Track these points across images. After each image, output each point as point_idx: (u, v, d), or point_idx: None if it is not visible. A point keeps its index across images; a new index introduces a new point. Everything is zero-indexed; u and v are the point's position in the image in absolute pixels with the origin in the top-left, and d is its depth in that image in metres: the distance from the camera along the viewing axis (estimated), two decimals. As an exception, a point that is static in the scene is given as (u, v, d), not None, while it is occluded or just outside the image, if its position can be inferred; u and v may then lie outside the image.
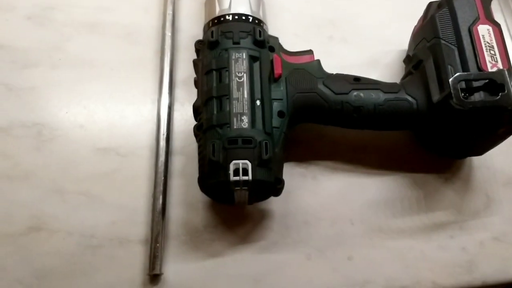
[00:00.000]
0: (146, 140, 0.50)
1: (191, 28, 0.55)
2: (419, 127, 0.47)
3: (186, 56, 0.54)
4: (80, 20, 0.55)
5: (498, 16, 0.60)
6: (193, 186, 0.47)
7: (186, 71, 0.53)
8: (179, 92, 0.53)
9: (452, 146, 0.49)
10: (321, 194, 0.50)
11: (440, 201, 0.50)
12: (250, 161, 0.41)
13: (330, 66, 0.49)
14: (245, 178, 0.41)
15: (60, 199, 0.47)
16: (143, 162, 0.49)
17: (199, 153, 0.45)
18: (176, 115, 0.51)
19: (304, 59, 0.49)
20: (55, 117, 0.50)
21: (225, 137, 0.42)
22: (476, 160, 0.52)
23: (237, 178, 0.41)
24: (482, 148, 0.48)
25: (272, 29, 0.54)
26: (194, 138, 0.50)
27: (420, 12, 0.52)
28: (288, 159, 0.50)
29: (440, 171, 0.51)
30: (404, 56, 0.55)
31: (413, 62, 0.49)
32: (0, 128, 0.49)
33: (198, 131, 0.45)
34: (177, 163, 0.49)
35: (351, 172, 0.51)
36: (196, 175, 0.47)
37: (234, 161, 0.41)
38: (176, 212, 0.47)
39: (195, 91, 0.47)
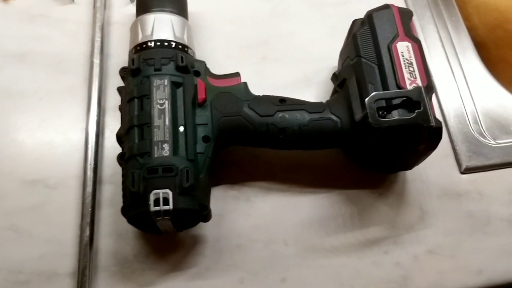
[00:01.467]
0: (75, 170, 0.49)
1: (122, 54, 0.55)
2: (345, 145, 0.48)
3: (117, 83, 0.53)
4: (9, 50, 0.55)
5: (430, 28, 0.61)
6: (122, 216, 0.47)
7: (116, 98, 0.52)
8: (109, 119, 0.52)
9: (380, 162, 0.49)
10: (254, 216, 0.49)
11: (374, 217, 0.50)
12: (171, 190, 0.41)
13: (265, 86, 0.49)
14: (166, 207, 0.41)
15: (-14, 235, 0.46)
16: (72, 193, 0.48)
17: (123, 183, 0.44)
18: (106, 143, 0.51)
19: (231, 81, 0.49)
20: (-19, 151, 0.49)
21: (145, 167, 0.42)
22: (410, 173, 0.52)
23: (157, 208, 0.41)
24: (408, 163, 0.48)
25: (205, 52, 0.55)
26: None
27: (351, 28, 0.53)
28: (221, 182, 0.50)
29: (374, 186, 0.51)
30: (336, 73, 0.55)
31: (338, 80, 0.49)
32: None
33: (121, 160, 0.45)
34: (106, 192, 0.49)
35: (285, 192, 0.51)
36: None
37: (154, 191, 0.41)
38: (105, 242, 0.47)
39: (124, 118, 0.47)
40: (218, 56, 0.55)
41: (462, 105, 0.57)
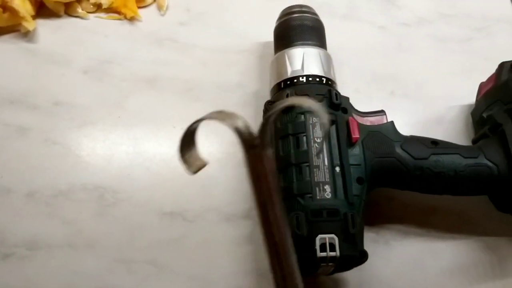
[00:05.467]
0: (212, 202, 0.48)
1: (251, 84, 0.54)
2: (498, 192, 0.46)
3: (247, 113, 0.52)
4: (139, 74, 0.53)
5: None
6: (263, 254, 0.45)
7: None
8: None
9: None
10: (394, 261, 0.47)
11: (515, 266, 0.48)
12: (336, 235, 0.39)
13: (395, 124, 0.48)
14: (332, 254, 0.39)
15: (126, 269, 0.44)
16: (211, 227, 0.47)
17: (277, 223, 0.43)
18: (242, 176, 0.49)
19: (377, 120, 0.47)
20: (117, 179, 0.48)
21: (308, 209, 0.40)
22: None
23: (324, 254, 0.39)
24: None
25: (334, 85, 0.53)
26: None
27: (481, 67, 0.51)
28: (359, 223, 0.48)
29: (514, 235, 0.50)
30: (467, 111, 0.54)
31: (488, 124, 0.48)
32: (60, 192, 0.46)
33: (275, 199, 0.43)
34: (245, 228, 0.47)
35: (423, 237, 0.49)
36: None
37: (320, 236, 0.39)
38: (247, 281, 0.45)
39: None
40: (346, 90, 0.54)
41: None
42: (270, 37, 0.54)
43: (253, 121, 0.50)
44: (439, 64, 0.58)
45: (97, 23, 0.56)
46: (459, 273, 0.47)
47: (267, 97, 0.52)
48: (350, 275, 0.46)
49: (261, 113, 0.49)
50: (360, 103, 0.49)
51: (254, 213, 0.47)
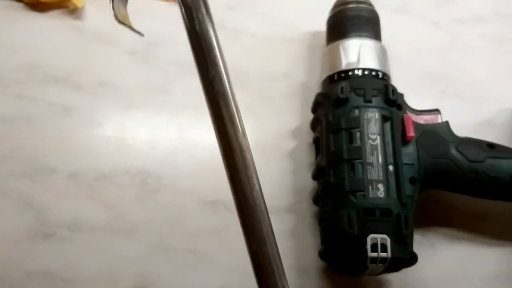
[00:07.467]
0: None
1: (299, 75, 0.53)
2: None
3: (293, 105, 0.51)
4: (179, 60, 0.52)
5: None
6: (305, 250, 0.45)
7: (296, 121, 0.50)
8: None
9: None
10: (439, 265, 0.46)
11: None
12: (388, 236, 0.38)
13: None
14: (384, 255, 0.38)
15: (166, 256, 0.43)
16: (252, 219, 0.46)
17: (323, 220, 0.42)
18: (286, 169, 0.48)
19: (432, 119, 0.46)
20: (161, 165, 0.47)
21: (360, 207, 0.39)
22: None
23: (375, 254, 0.38)
24: None
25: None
26: (304, 195, 0.47)
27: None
28: (404, 224, 0.47)
29: None
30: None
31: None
32: (102, 175, 0.46)
33: (323, 194, 0.42)
34: (288, 222, 0.46)
35: (470, 242, 0.47)
36: (308, 237, 0.45)
37: (371, 235, 0.38)
38: (287, 276, 0.44)
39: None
40: (396, 86, 0.52)
41: None
42: (319, 26, 0.52)
43: (300, 113, 0.51)
44: (493, 65, 0.56)
45: (144, 3, 0.54)
46: (505, 281, 0.46)
47: (315, 88, 0.50)
48: (394, 276, 0.45)
49: (309, 105, 0.48)
50: (410, 100, 0.48)
51: (298, 207, 0.47)
